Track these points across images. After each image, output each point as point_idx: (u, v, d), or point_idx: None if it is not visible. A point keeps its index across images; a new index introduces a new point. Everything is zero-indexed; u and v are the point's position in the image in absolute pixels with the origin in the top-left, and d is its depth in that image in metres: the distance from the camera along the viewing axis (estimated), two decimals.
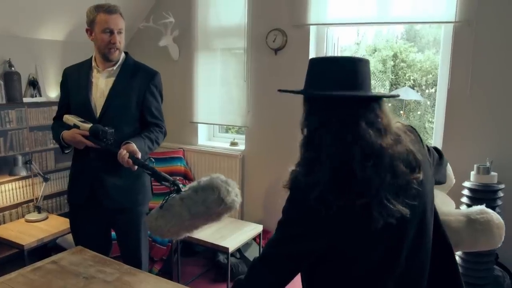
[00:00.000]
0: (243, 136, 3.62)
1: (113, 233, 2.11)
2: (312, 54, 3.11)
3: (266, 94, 3.32)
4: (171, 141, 3.84)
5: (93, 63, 1.96)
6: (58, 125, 1.96)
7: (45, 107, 3.15)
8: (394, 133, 0.99)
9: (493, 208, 2.33)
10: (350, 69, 1.00)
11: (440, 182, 1.28)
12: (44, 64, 3.25)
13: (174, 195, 1.48)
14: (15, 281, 1.50)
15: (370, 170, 0.93)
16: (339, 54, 3.32)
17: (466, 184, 2.39)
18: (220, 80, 3.53)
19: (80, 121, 1.84)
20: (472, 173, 2.40)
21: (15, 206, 3.03)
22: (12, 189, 3.01)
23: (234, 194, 1.42)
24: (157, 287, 1.48)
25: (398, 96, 1.15)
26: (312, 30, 3.07)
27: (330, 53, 3.21)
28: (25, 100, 3.06)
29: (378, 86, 11.36)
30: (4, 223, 2.95)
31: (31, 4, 2.86)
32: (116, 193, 1.92)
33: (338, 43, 3.40)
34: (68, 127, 1.88)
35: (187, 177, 3.59)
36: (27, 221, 2.90)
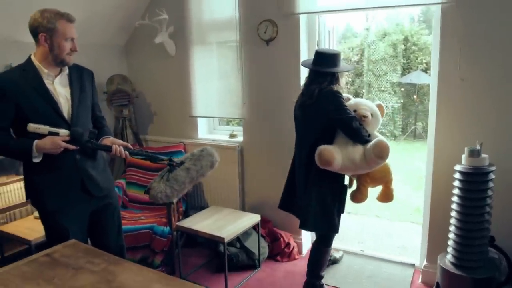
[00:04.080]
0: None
1: None
2: (303, 43, 3.10)
3: (260, 85, 3.34)
4: (171, 135, 3.92)
5: (43, 70, 1.92)
6: (16, 135, 1.94)
7: None
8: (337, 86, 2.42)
9: (485, 191, 2.31)
10: (325, 56, 2.40)
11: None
12: None
13: (176, 168, 2.12)
14: (9, 273, 1.59)
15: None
16: (335, 41, 3.44)
17: (457, 167, 2.37)
18: (217, 73, 3.57)
19: (53, 128, 1.90)
20: (463, 156, 2.37)
21: (24, 204, 3.17)
22: (20, 188, 3.16)
23: (217, 158, 2.28)
24: (139, 275, 1.55)
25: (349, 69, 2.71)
26: (303, 18, 3.06)
27: (323, 41, 3.20)
28: None
29: (389, 71, 11.04)
30: (15, 220, 3.10)
31: (31, 9, 2.93)
32: (102, 182, 2.14)
33: (333, 31, 3.39)
34: (37, 136, 1.87)
35: None
36: (36, 217, 3.03)
